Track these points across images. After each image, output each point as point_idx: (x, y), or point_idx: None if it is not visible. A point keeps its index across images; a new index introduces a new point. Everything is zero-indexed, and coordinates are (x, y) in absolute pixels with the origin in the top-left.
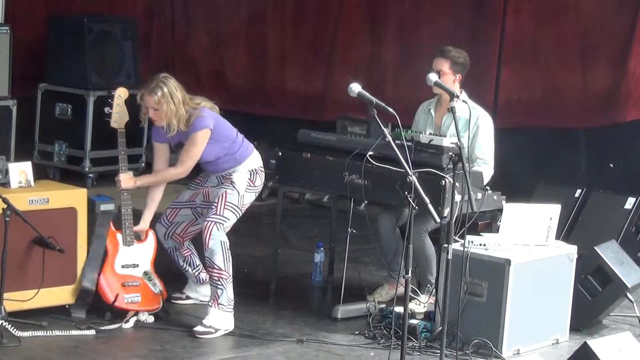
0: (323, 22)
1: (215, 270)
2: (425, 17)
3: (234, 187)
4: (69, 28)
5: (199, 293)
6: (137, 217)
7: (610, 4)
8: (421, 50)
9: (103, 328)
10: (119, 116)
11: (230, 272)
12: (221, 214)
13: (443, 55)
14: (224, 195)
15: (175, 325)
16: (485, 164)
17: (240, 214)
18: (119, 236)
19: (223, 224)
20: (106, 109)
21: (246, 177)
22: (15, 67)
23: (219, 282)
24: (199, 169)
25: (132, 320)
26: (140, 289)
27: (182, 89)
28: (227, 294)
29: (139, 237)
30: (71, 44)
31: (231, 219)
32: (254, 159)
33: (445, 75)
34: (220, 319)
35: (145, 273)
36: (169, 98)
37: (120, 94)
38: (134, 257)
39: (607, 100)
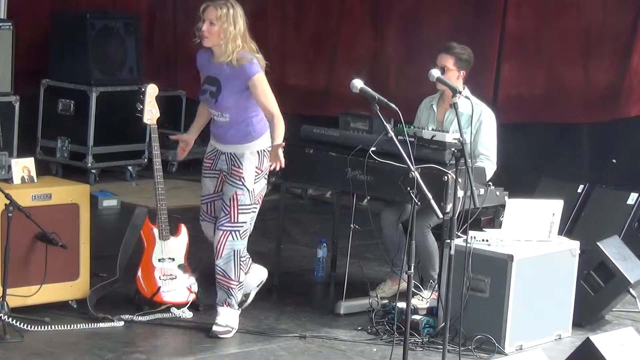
0: (325, 18)
1: (224, 279)
2: (426, 12)
3: (243, 184)
4: (71, 24)
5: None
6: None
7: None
8: (423, 46)
9: (116, 318)
10: (150, 112)
11: (241, 279)
12: (235, 220)
13: (448, 51)
14: (235, 198)
15: (177, 321)
16: (488, 160)
17: (258, 206)
18: (155, 230)
19: (239, 231)
20: (137, 105)
21: (254, 165)
22: (18, 63)
23: (229, 291)
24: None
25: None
26: (177, 282)
27: (247, 26)
28: (236, 297)
29: (174, 232)
30: (74, 40)
31: (247, 220)
32: (265, 139)
33: (449, 71)
34: (233, 318)
35: (180, 266)
36: (231, 20)
37: (151, 90)
38: (169, 251)
39: (610, 96)
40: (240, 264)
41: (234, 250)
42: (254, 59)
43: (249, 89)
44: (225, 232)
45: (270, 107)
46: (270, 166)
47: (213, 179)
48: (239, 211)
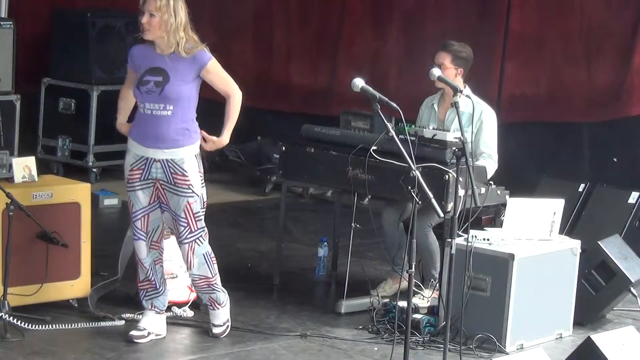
0: (328, 17)
1: (203, 281)
2: (429, 11)
3: (193, 192)
4: (72, 23)
5: (159, 325)
6: None
7: None
8: (426, 44)
9: (117, 317)
10: None
11: (216, 271)
12: (195, 229)
13: (445, 49)
14: (189, 208)
15: (178, 319)
16: (489, 159)
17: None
18: None
19: (201, 236)
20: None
21: (197, 170)
22: (19, 62)
23: (210, 288)
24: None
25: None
26: (178, 281)
27: (189, 19)
28: (220, 289)
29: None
30: (74, 38)
31: (204, 224)
32: (198, 144)
33: (446, 69)
34: (226, 313)
35: (180, 266)
36: (171, 11)
37: None
38: (169, 250)
39: (612, 95)
40: (211, 262)
41: (203, 255)
42: (205, 47)
43: (202, 77)
44: (190, 244)
45: (230, 87)
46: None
47: (147, 190)
48: (196, 219)
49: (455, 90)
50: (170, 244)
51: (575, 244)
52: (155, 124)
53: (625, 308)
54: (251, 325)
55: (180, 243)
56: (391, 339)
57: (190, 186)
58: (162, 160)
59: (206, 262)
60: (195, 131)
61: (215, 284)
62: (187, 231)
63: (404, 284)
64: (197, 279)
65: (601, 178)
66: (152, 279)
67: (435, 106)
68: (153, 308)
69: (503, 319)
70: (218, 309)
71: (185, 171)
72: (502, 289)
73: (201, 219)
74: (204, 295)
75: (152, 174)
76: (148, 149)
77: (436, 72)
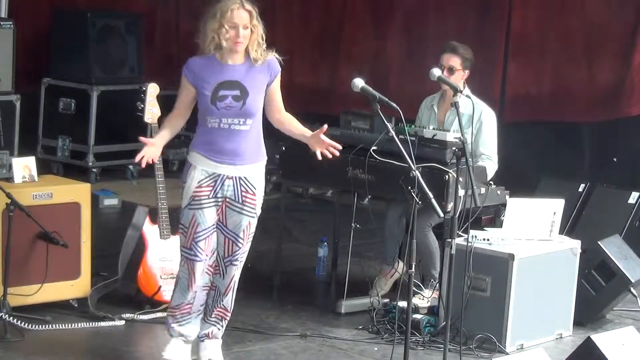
0: (329, 16)
1: (222, 311)
2: (431, 11)
3: (255, 212)
4: (72, 23)
5: (184, 355)
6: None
7: None
8: (426, 44)
9: (117, 317)
10: (151, 111)
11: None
12: (245, 250)
13: (454, 51)
14: (249, 228)
15: None
16: (489, 160)
17: None
18: (156, 230)
19: (244, 260)
20: (138, 105)
21: (263, 189)
22: (19, 62)
23: (222, 323)
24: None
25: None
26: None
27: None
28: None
29: (174, 231)
30: (75, 38)
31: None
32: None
33: (457, 71)
34: (220, 349)
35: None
36: (258, 19)
37: (152, 89)
38: (170, 250)
39: (613, 95)
40: (234, 293)
41: (236, 282)
42: (275, 53)
43: (269, 87)
44: (239, 265)
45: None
46: (315, 152)
47: (214, 209)
48: (249, 240)
49: (456, 91)
50: (170, 244)
51: (575, 244)
52: (233, 138)
53: (625, 308)
54: (251, 325)
55: (229, 263)
56: (391, 339)
57: (255, 206)
58: (235, 177)
59: (234, 291)
60: (264, 145)
61: (226, 319)
62: (241, 252)
63: (397, 275)
64: (220, 307)
65: (601, 178)
66: (193, 303)
67: (435, 107)
68: (181, 336)
69: (503, 319)
70: (213, 339)
71: (255, 189)
72: (502, 289)
73: (250, 242)
74: (210, 327)
75: (222, 192)
76: (220, 165)
77: (436, 72)
